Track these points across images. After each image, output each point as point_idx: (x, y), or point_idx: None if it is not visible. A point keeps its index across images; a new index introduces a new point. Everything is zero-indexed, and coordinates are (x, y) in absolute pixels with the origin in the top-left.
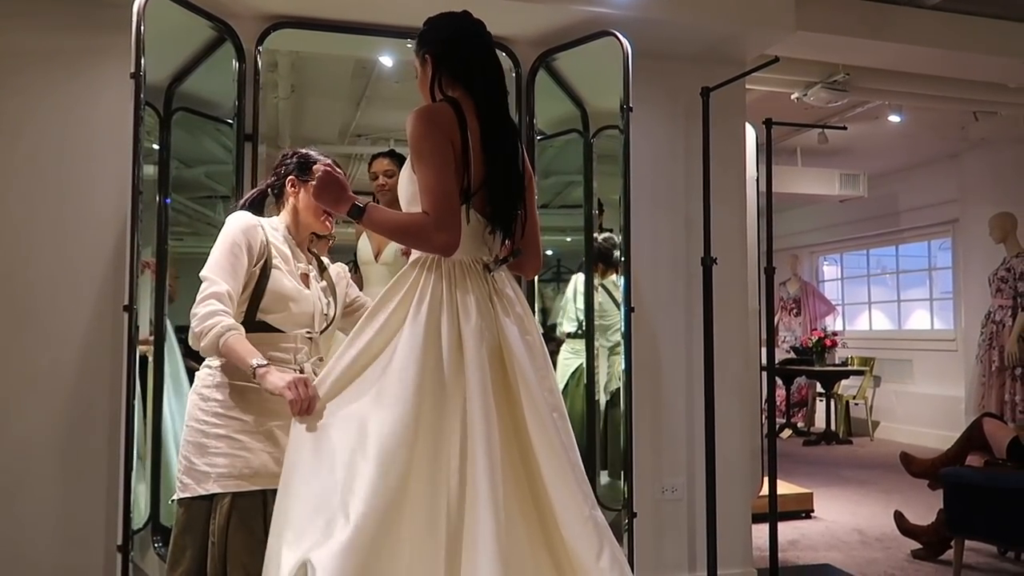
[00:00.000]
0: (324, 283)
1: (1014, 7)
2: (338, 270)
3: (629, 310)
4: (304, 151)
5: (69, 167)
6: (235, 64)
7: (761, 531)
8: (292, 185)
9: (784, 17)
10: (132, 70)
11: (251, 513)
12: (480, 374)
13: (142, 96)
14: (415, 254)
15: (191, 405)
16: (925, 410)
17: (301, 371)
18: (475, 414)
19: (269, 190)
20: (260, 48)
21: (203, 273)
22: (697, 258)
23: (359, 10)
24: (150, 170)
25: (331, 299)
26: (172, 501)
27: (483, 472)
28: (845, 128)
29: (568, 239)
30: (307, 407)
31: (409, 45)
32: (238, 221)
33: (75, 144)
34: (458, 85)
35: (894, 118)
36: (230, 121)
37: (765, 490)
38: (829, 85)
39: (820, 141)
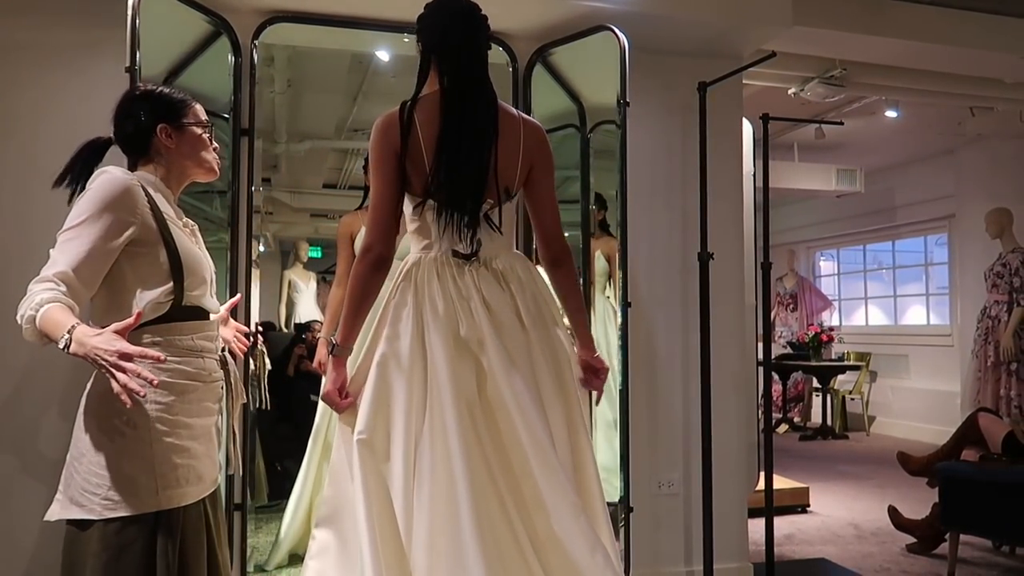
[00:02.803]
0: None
1: (1011, 2)
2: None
3: (626, 305)
4: (156, 88)
5: (64, 162)
6: (231, 58)
7: (757, 525)
8: (166, 135)
9: (781, 12)
10: (127, 64)
11: (200, 524)
12: (448, 372)
13: None
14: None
15: (114, 407)
16: (921, 405)
17: (224, 362)
18: (445, 412)
19: (116, 143)
20: (256, 42)
21: (55, 249)
22: (694, 253)
23: (356, 4)
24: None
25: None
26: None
27: (460, 472)
28: (842, 123)
29: (565, 234)
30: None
31: (406, 39)
32: (113, 183)
33: (70, 138)
34: (437, 73)
35: (891, 113)
36: (226, 116)
37: (761, 485)
38: (826, 80)
39: (817, 136)
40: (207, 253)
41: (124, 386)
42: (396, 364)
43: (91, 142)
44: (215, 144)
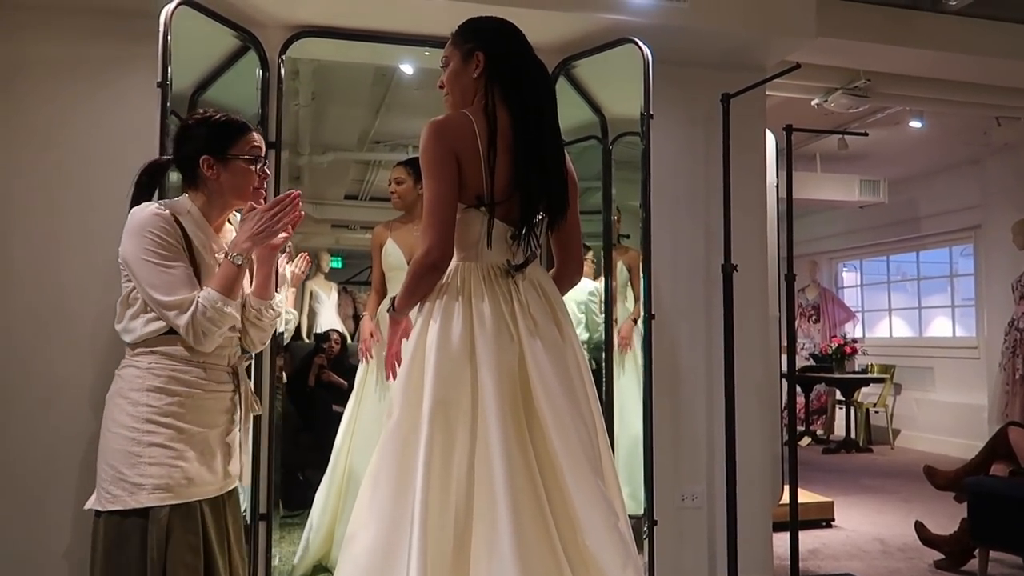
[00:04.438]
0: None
1: None
2: None
3: (649, 316)
4: (213, 115)
5: (96, 174)
6: (259, 72)
7: (781, 540)
8: (208, 166)
9: (805, 23)
10: (159, 79)
11: (189, 525)
12: (494, 381)
13: (168, 105)
14: None
15: (115, 409)
16: (947, 418)
17: (234, 372)
18: (490, 422)
19: (175, 165)
20: (283, 57)
21: (152, 296)
22: (717, 264)
23: (380, 19)
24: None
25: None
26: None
27: (501, 483)
28: (866, 134)
29: (588, 245)
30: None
31: (428, 53)
32: (145, 217)
33: (102, 152)
34: (499, 88)
35: (915, 124)
36: None
37: (786, 498)
38: (850, 91)
39: (840, 147)
40: (245, 283)
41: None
42: (451, 371)
43: (154, 162)
44: (266, 173)
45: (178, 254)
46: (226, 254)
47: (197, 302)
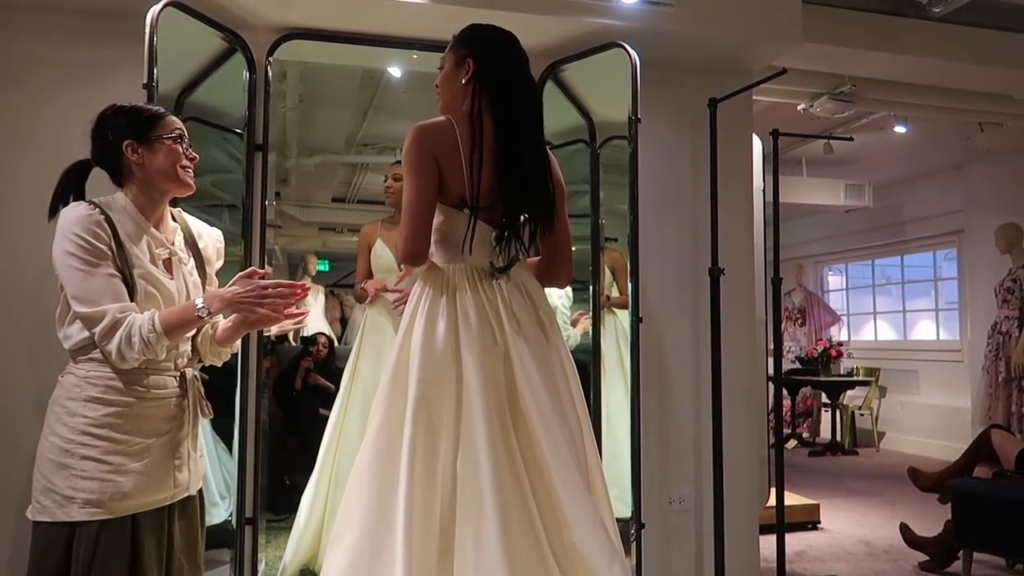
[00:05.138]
0: (192, 261)
1: (1019, 19)
2: (215, 239)
3: (637, 320)
4: (123, 105)
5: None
6: (246, 75)
7: (768, 542)
8: (132, 151)
9: (791, 29)
10: (144, 81)
11: (120, 541)
12: (479, 380)
13: None
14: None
15: (52, 417)
16: (931, 421)
17: (183, 377)
18: (475, 420)
19: (95, 163)
20: (271, 59)
21: (72, 304)
22: (704, 268)
23: (368, 21)
24: None
25: (203, 280)
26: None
27: (487, 482)
28: (851, 139)
29: (573, 248)
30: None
31: (416, 56)
32: (73, 217)
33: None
34: (487, 95)
35: (900, 129)
36: (239, 131)
37: (772, 501)
38: (835, 96)
39: (825, 151)
40: (190, 281)
41: (266, 313)
42: (434, 370)
43: (72, 166)
44: (193, 155)
45: (105, 260)
46: (197, 302)
47: (128, 319)
